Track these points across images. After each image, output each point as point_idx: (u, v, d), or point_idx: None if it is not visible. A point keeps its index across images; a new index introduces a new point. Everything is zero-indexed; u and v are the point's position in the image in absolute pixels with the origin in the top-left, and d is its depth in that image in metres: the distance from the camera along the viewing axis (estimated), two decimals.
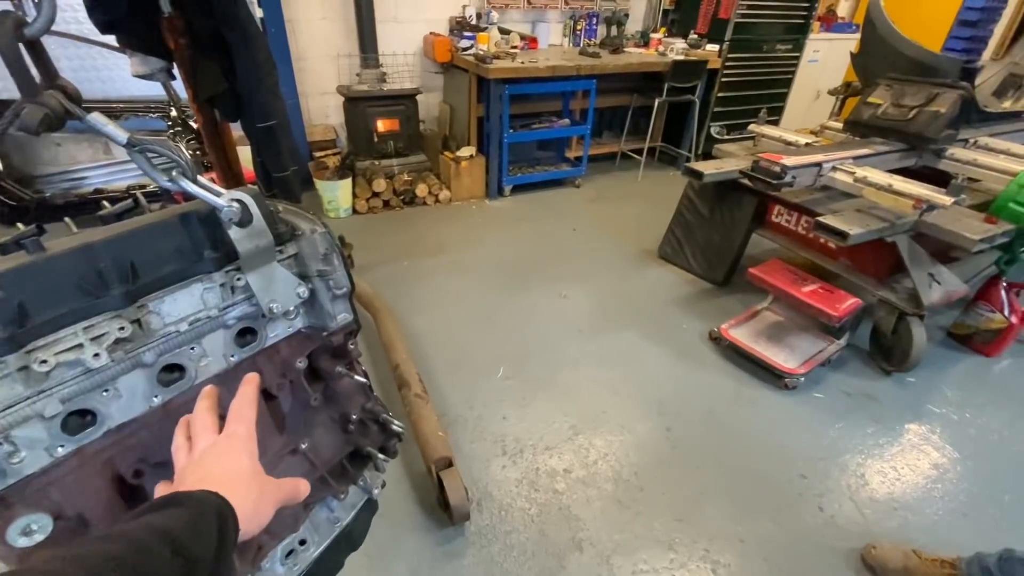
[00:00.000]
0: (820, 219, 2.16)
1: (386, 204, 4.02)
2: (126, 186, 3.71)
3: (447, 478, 1.65)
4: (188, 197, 0.69)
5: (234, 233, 0.65)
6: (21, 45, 0.54)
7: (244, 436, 0.58)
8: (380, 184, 3.90)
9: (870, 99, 2.82)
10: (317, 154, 4.07)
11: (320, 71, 4.08)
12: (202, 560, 0.42)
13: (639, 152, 4.87)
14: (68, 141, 3.61)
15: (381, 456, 0.98)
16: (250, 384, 0.66)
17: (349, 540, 1.01)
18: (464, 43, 4.04)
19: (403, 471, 1.90)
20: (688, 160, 4.82)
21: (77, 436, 0.60)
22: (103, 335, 0.58)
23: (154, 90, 2.62)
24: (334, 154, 4.10)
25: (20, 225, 0.63)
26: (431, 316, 2.77)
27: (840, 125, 3.13)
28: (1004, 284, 2.51)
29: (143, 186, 3.67)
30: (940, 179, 2.42)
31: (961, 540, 1.73)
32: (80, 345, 0.56)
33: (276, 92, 1.93)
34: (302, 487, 0.63)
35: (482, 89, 4.01)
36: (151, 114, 3.57)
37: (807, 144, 2.93)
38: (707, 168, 2.68)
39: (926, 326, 2.34)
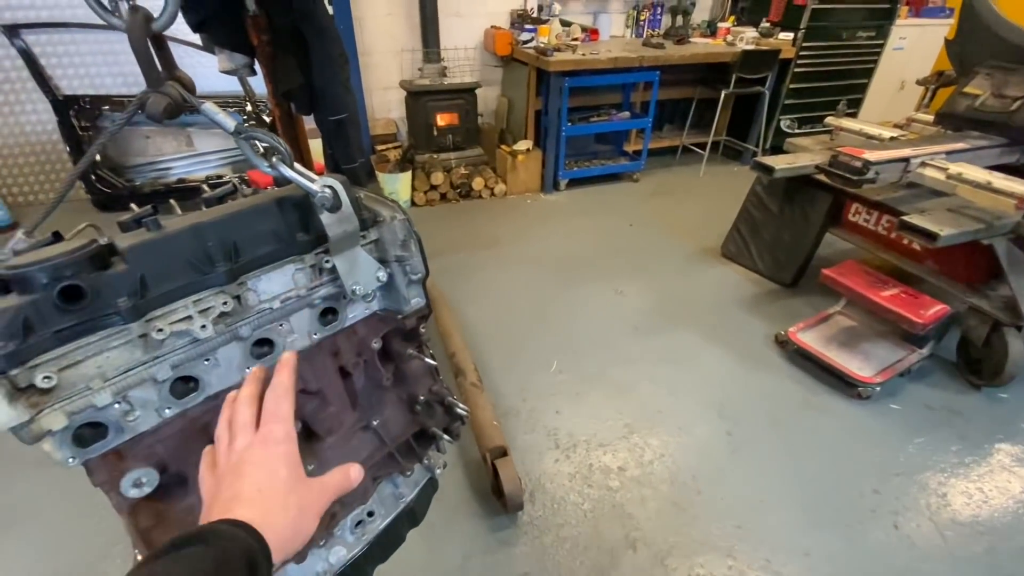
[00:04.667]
0: (906, 219, 2.01)
1: (443, 197, 4.10)
2: (204, 176, 3.99)
3: (502, 467, 1.67)
4: (280, 183, 0.73)
5: (325, 218, 0.68)
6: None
7: (281, 439, 0.51)
8: (438, 177, 3.98)
9: (966, 89, 2.58)
10: (379, 147, 4.19)
11: (384, 66, 4.20)
12: None
13: (702, 146, 4.71)
14: (156, 134, 3.92)
15: (445, 437, 1.00)
16: (285, 369, 0.57)
17: (412, 516, 1.04)
18: (525, 36, 4.04)
19: (458, 458, 1.93)
20: (755, 155, 4.60)
21: (182, 400, 0.66)
22: (209, 309, 0.63)
23: (230, 86, 2.78)
24: (395, 147, 4.21)
25: (134, 206, 0.69)
26: (485, 307, 2.80)
27: (930, 118, 2.89)
28: None
29: (219, 176, 3.94)
30: None
31: None
32: (190, 317, 0.61)
33: (348, 86, 2.00)
34: (352, 474, 0.56)
35: (541, 82, 3.99)
36: (228, 109, 3.80)
37: (891, 138, 2.73)
38: (778, 163, 2.55)
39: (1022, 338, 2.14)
